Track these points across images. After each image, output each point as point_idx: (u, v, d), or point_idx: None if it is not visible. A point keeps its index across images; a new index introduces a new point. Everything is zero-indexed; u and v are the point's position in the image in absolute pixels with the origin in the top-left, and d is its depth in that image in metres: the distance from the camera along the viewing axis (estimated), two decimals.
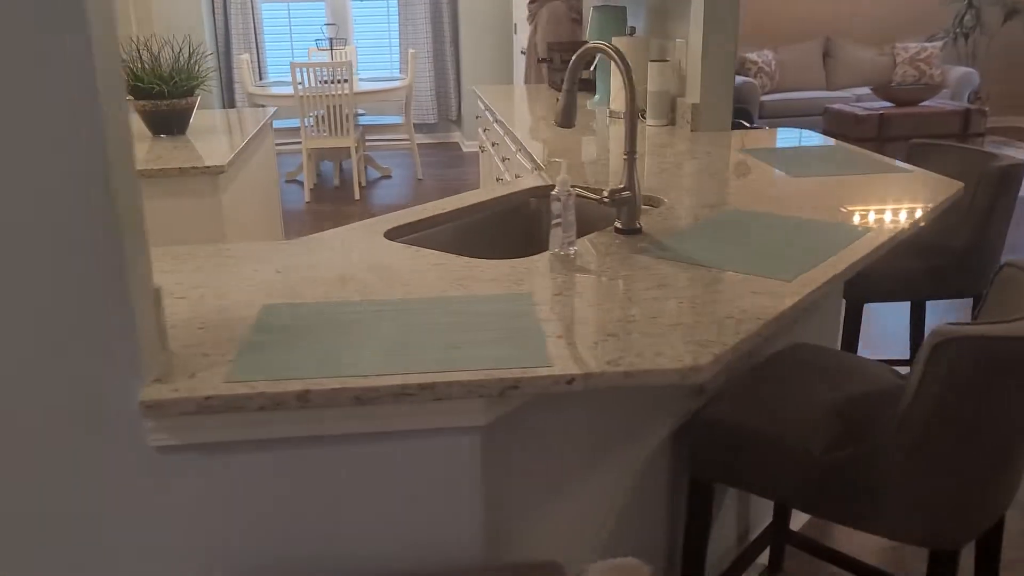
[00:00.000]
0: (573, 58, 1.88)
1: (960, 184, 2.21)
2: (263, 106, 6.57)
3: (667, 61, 3.21)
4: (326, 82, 6.18)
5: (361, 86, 6.77)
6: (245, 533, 1.24)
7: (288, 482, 1.23)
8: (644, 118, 3.36)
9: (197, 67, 3.33)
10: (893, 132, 6.81)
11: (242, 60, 6.85)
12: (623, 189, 1.84)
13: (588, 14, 4.63)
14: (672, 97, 3.30)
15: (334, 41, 7.07)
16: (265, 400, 1.14)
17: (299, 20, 8.62)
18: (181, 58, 3.30)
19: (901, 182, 2.25)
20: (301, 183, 7.05)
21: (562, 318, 1.38)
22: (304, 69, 6.10)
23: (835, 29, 8.72)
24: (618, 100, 3.46)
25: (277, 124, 7.58)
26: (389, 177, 7.36)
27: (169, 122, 3.32)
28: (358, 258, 1.71)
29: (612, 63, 3.68)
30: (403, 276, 1.59)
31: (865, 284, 2.61)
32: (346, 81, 6.18)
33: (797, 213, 1.98)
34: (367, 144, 7.73)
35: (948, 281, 2.59)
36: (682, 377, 1.21)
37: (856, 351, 2.67)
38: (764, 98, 7.88)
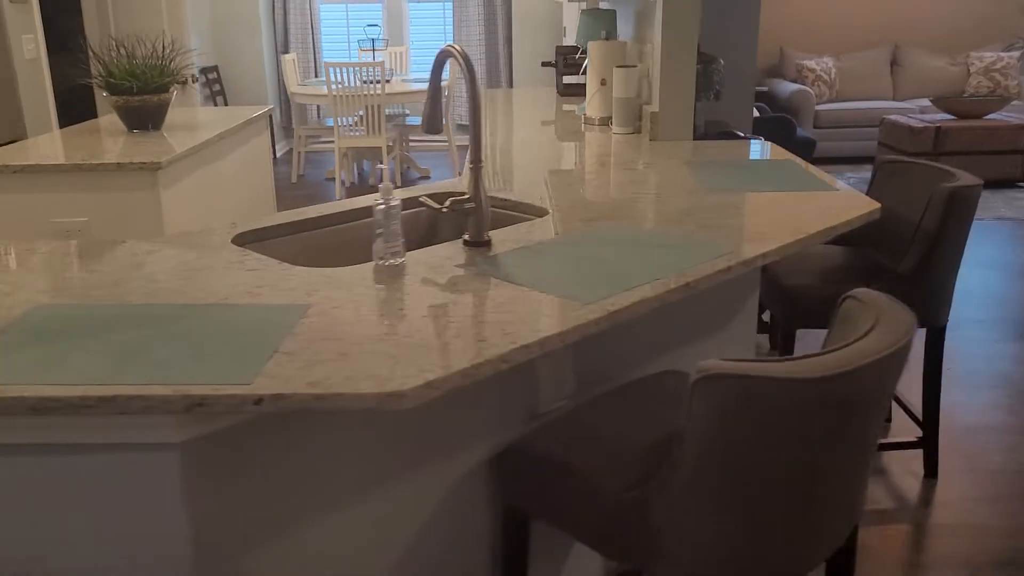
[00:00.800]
0: (433, 63, 1.80)
1: (876, 205, 2.03)
2: (306, 105, 6.64)
3: (634, 67, 3.08)
4: (366, 82, 6.23)
5: (412, 87, 6.78)
6: None
7: None
8: (611, 125, 3.24)
9: (171, 64, 3.37)
10: (950, 146, 6.42)
11: (286, 60, 6.96)
12: (466, 200, 1.75)
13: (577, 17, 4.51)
14: (640, 105, 3.17)
15: (376, 42, 7.12)
16: None
17: (357, 21, 8.73)
18: (155, 55, 3.35)
19: (815, 201, 2.09)
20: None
21: (315, 333, 1.31)
22: (335, 69, 6.16)
23: (904, 36, 8.28)
24: (592, 106, 3.35)
25: (329, 122, 7.66)
26: (427, 177, 7.37)
27: (143, 117, 3.37)
28: (181, 261, 1.67)
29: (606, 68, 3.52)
30: (204, 281, 1.55)
31: (799, 308, 2.44)
32: (378, 82, 6.21)
33: (679, 227, 1.85)
34: (411, 144, 7.76)
35: None
36: (379, 403, 1.13)
37: None
38: (819, 107, 7.54)
